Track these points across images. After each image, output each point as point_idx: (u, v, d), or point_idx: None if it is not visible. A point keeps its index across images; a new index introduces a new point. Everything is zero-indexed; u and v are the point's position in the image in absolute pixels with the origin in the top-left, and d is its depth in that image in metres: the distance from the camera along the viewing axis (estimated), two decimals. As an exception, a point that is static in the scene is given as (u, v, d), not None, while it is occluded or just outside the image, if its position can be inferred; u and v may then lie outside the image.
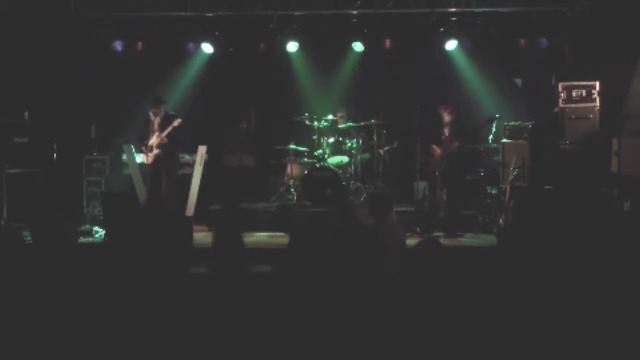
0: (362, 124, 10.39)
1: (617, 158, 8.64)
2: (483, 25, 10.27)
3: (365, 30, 10.54)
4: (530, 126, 9.41)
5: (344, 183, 9.87)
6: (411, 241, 8.09)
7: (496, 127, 9.49)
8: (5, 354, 3.70)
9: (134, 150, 9.15)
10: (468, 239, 8.79)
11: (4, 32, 9.81)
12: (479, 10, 10.08)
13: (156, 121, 9.05)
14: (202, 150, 9.69)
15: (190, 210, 9.28)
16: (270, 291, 3.67)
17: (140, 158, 9.16)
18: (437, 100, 9.16)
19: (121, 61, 10.74)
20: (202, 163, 9.65)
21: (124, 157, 9.97)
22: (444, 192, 9.17)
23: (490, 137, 9.56)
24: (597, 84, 9.39)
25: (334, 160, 10.34)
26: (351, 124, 10.49)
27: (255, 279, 3.87)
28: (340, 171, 10.17)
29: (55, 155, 9.90)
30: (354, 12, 10.29)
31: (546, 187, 9.00)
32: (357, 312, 3.52)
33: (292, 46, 10.73)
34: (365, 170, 10.47)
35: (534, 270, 4.05)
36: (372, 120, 10.30)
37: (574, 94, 9.46)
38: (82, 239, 8.70)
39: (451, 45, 10.46)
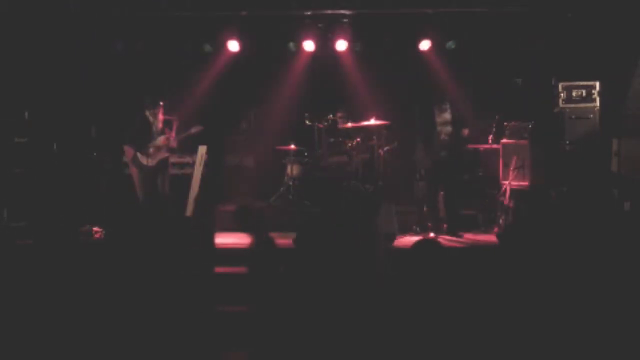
0: (362, 124, 10.39)
1: (617, 158, 8.64)
2: (483, 25, 10.27)
3: (365, 31, 10.54)
4: (530, 126, 9.41)
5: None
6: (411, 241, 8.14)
7: (496, 127, 9.49)
8: (6, 354, 3.70)
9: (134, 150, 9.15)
10: (468, 239, 8.79)
11: (4, 32, 9.81)
12: (479, 10, 10.07)
13: (156, 123, 9.05)
14: (202, 150, 9.70)
15: (190, 210, 9.29)
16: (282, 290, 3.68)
17: (141, 159, 9.15)
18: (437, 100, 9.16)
19: (121, 61, 10.74)
20: (202, 163, 9.66)
21: (124, 157, 9.97)
22: (442, 192, 9.18)
23: (491, 137, 9.56)
24: (597, 84, 9.39)
25: (334, 160, 10.34)
26: (351, 124, 10.48)
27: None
28: (341, 171, 10.18)
29: (55, 155, 9.90)
30: (354, 12, 10.28)
31: (546, 187, 9.01)
32: (357, 312, 3.52)
33: (292, 46, 10.73)
34: (365, 170, 10.47)
35: (534, 270, 4.05)
36: (372, 120, 10.29)
37: (574, 94, 9.46)
38: (81, 239, 8.71)
39: (450, 45, 10.47)
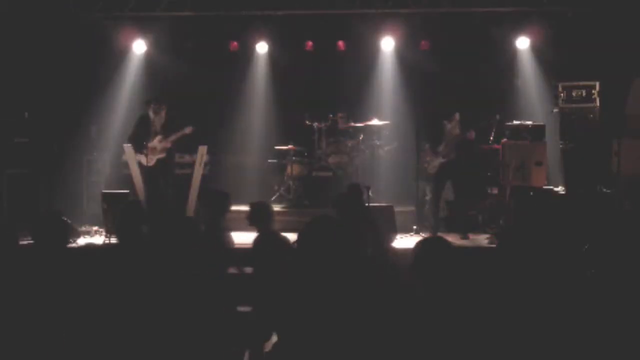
0: (362, 124, 10.39)
1: (617, 158, 8.64)
2: (483, 25, 10.27)
3: (366, 30, 10.55)
4: (530, 126, 9.41)
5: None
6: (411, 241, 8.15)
7: (496, 127, 9.49)
8: (6, 354, 3.70)
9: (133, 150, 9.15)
10: (468, 239, 8.79)
11: (4, 32, 9.81)
12: (479, 10, 10.08)
13: (157, 122, 9.05)
14: (202, 150, 9.70)
15: (190, 210, 9.29)
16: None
17: (140, 158, 9.15)
18: (437, 101, 9.17)
19: (121, 61, 10.74)
20: (202, 163, 9.66)
21: (124, 157, 9.97)
22: (448, 192, 9.17)
23: (491, 137, 9.56)
24: (597, 84, 9.39)
25: (334, 160, 10.34)
26: (351, 124, 10.49)
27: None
28: (341, 171, 10.18)
29: (55, 155, 9.90)
30: (354, 12, 10.29)
31: (547, 187, 9.02)
32: (357, 312, 3.52)
33: (292, 46, 10.75)
34: (365, 170, 10.46)
35: (534, 270, 4.05)
36: (372, 121, 10.30)
37: (574, 94, 9.46)
38: (82, 239, 8.72)
39: (451, 44, 10.48)
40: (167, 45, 10.77)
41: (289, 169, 10.37)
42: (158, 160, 9.02)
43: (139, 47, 10.75)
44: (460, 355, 3.49)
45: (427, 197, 9.52)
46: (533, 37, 10.44)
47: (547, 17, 10.16)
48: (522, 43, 10.53)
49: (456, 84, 10.31)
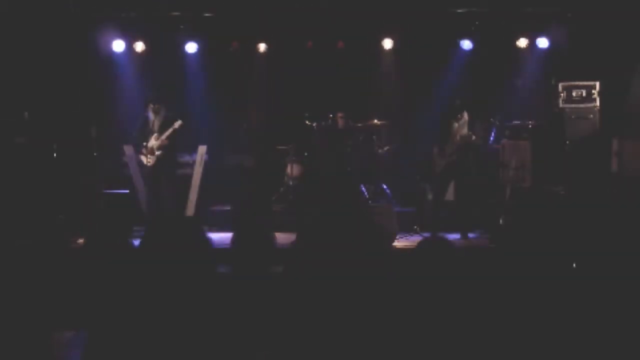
0: (362, 124, 10.39)
1: (617, 158, 8.64)
2: (483, 25, 10.27)
3: (366, 30, 10.55)
4: (530, 126, 9.41)
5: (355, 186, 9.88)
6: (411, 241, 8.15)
7: (496, 127, 9.49)
8: (6, 354, 3.70)
9: (134, 151, 9.16)
10: (468, 239, 8.79)
11: (4, 32, 9.81)
12: (479, 10, 10.08)
13: (156, 121, 9.05)
14: (202, 150, 9.71)
15: (190, 210, 9.30)
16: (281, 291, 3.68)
17: (140, 159, 9.16)
18: (437, 101, 9.16)
19: (121, 61, 10.74)
20: (202, 163, 9.67)
21: (124, 157, 9.98)
22: (449, 192, 9.16)
23: (491, 137, 9.56)
24: (597, 84, 9.39)
25: (334, 160, 10.34)
26: (351, 124, 10.48)
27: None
28: (340, 171, 10.18)
29: (55, 155, 9.89)
30: (354, 12, 10.28)
31: (547, 187, 9.01)
32: (358, 312, 3.52)
33: (292, 46, 10.75)
34: (365, 170, 10.46)
35: (534, 270, 4.05)
36: (373, 121, 10.29)
37: (574, 94, 9.46)
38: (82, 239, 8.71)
39: (451, 45, 10.49)
40: (167, 45, 10.76)
41: (289, 169, 10.37)
42: (158, 160, 9.01)
43: (139, 47, 10.74)
44: (460, 355, 3.49)
45: (428, 197, 9.51)
46: (533, 37, 10.44)
47: (547, 17, 10.15)
48: (522, 43, 10.52)
49: (456, 84, 10.31)
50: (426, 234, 8.74)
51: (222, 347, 3.54)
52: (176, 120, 8.94)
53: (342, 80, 11.12)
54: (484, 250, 8.08)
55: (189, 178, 9.74)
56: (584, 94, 9.42)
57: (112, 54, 10.68)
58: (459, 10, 10.09)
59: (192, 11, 10.29)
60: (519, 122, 9.55)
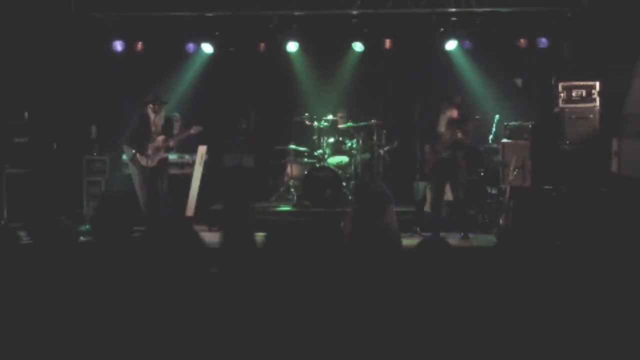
0: (362, 124, 10.39)
1: (617, 158, 8.64)
2: (483, 25, 10.27)
3: (365, 30, 10.56)
4: (530, 126, 9.40)
5: (344, 183, 9.88)
6: (411, 241, 8.14)
7: (496, 127, 9.49)
8: (6, 354, 3.70)
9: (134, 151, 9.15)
10: (468, 239, 8.79)
11: (4, 32, 9.81)
12: (479, 10, 10.08)
13: (156, 122, 9.03)
14: (202, 150, 9.70)
15: (190, 210, 9.29)
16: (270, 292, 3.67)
17: (140, 159, 9.15)
18: (438, 100, 9.14)
19: (121, 61, 10.74)
20: (202, 163, 9.66)
21: (124, 157, 9.97)
22: (447, 192, 9.16)
23: (491, 137, 9.56)
24: (597, 84, 9.39)
25: (334, 160, 10.34)
26: (351, 124, 10.49)
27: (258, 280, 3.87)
28: (340, 171, 10.18)
29: (55, 155, 9.90)
30: (354, 12, 10.29)
31: (546, 187, 9.01)
32: (356, 313, 3.52)
33: (292, 46, 10.75)
34: (365, 170, 10.47)
35: (534, 270, 4.05)
36: (372, 120, 10.30)
37: (574, 94, 9.46)
38: (82, 239, 8.70)
39: (451, 45, 10.49)
40: (167, 45, 10.76)
41: (289, 169, 10.37)
42: (160, 161, 9.01)
43: (139, 46, 10.74)
44: (461, 355, 3.49)
45: (428, 197, 9.51)
46: (534, 37, 10.44)
47: (547, 17, 10.15)
48: (522, 43, 10.52)
49: (456, 84, 10.31)
50: (426, 234, 8.74)
51: (218, 348, 3.54)
52: (195, 126, 8.97)
53: (342, 81, 11.14)
54: (484, 250, 8.08)
55: (189, 178, 9.74)
56: (584, 94, 9.42)
57: (112, 54, 10.68)
58: (458, 10, 10.09)
59: (192, 11, 10.28)
60: (519, 122, 9.55)
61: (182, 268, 3.79)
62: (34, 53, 10.02)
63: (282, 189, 10.45)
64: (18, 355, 3.69)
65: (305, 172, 10.21)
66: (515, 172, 9.03)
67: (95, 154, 10.34)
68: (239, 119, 11.33)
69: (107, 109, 10.64)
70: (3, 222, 9.28)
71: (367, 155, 10.56)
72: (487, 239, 8.69)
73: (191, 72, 11.06)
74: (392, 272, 4.12)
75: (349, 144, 10.36)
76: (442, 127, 8.89)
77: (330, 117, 10.49)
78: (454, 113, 8.89)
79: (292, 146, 10.43)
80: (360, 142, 10.37)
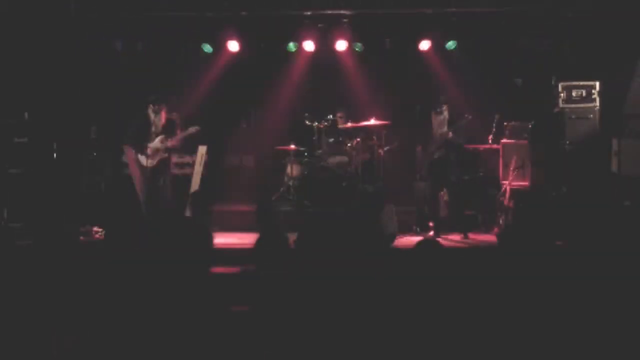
0: (362, 124, 10.39)
1: (617, 158, 8.64)
2: (483, 25, 10.27)
3: (365, 31, 10.56)
4: (530, 126, 9.40)
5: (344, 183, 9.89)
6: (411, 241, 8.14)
7: (496, 127, 9.49)
8: (5, 354, 3.70)
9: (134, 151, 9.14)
10: (468, 240, 8.79)
11: (4, 32, 9.80)
12: (479, 10, 10.07)
13: (157, 122, 9.04)
14: (202, 150, 9.70)
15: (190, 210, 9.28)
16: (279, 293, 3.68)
17: (141, 159, 9.15)
18: (430, 101, 9.16)
19: (121, 61, 10.74)
20: (202, 163, 9.66)
21: (124, 157, 9.97)
22: (444, 192, 9.17)
23: (491, 137, 9.56)
24: (597, 84, 9.39)
25: (334, 160, 10.34)
26: (351, 124, 10.49)
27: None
28: (341, 171, 10.18)
29: (55, 155, 9.89)
30: (354, 12, 10.28)
31: (546, 187, 9.01)
32: (357, 313, 3.52)
33: (291, 46, 10.75)
34: (365, 170, 10.47)
35: (535, 270, 4.05)
36: (372, 120, 10.30)
37: (574, 94, 9.45)
38: (81, 239, 8.71)
39: (451, 45, 10.49)
40: (167, 45, 10.76)
41: (289, 169, 10.37)
42: (160, 161, 9.01)
43: (139, 47, 10.74)
44: (461, 355, 3.49)
45: (427, 197, 9.51)
46: (532, 36, 10.43)
47: (547, 17, 10.15)
48: (522, 43, 10.52)
49: (456, 84, 10.30)
50: (426, 234, 8.75)
51: (220, 347, 3.55)
52: (193, 126, 8.98)
53: (342, 81, 11.13)
54: (484, 250, 8.08)
55: (189, 178, 9.75)
56: (584, 94, 9.42)
57: (112, 53, 10.68)
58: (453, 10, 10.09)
59: (192, 11, 10.27)
60: (519, 122, 9.55)
61: (183, 268, 3.80)
62: (34, 53, 10.01)
63: (282, 189, 10.44)
64: (18, 355, 3.69)
65: (305, 172, 10.20)
66: (515, 172, 9.03)
67: (95, 154, 10.34)
68: (239, 119, 11.33)
69: (107, 109, 10.63)
70: (3, 222, 9.27)
71: (367, 155, 10.55)
72: (487, 239, 8.69)
73: (191, 72, 11.05)
74: (389, 272, 4.13)
75: (349, 144, 10.36)
76: (434, 128, 8.92)
77: (330, 117, 10.48)
78: (445, 112, 8.92)
79: (292, 146, 10.40)
80: (360, 142, 10.37)
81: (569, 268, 4.12)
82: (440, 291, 3.69)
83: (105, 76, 10.70)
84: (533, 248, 4.36)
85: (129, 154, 9.25)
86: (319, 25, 10.56)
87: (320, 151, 10.40)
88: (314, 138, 10.47)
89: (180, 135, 9.04)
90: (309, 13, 10.30)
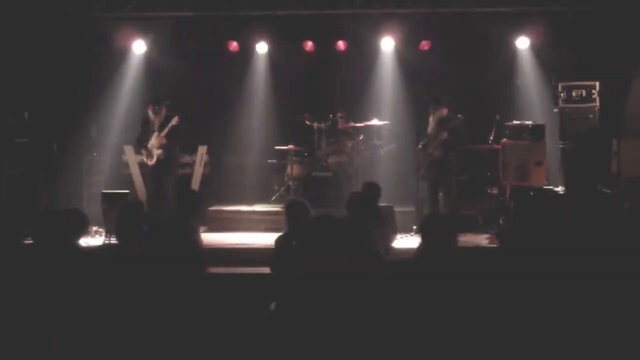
0: (362, 124, 10.39)
1: (617, 158, 8.64)
2: (483, 25, 10.27)
3: (365, 31, 10.56)
4: (530, 126, 9.41)
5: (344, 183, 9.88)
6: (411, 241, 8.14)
7: (496, 127, 9.49)
8: (5, 354, 3.70)
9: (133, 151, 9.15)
10: (468, 239, 8.78)
11: (4, 32, 9.81)
12: (479, 10, 10.08)
13: (156, 121, 9.04)
14: (202, 150, 9.70)
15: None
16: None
17: (140, 159, 9.16)
18: (429, 101, 9.15)
19: (121, 61, 10.74)
20: (202, 163, 9.66)
21: (124, 157, 9.98)
22: (441, 192, 9.16)
23: (491, 137, 9.56)
24: (597, 84, 9.39)
25: (334, 160, 10.33)
26: (351, 124, 10.48)
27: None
28: (341, 171, 10.17)
29: (55, 155, 9.89)
30: (354, 12, 10.29)
31: (546, 187, 9.01)
32: (357, 313, 3.52)
33: (291, 46, 10.76)
34: (365, 170, 10.46)
35: (535, 270, 4.05)
36: (372, 121, 10.29)
37: (574, 94, 9.46)
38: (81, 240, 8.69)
39: (451, 44, 10.50)
40: (167, 45, 10.76)
41: (289, 169, 10.37)
42: (158, 160, 9.00)
43: (139, 47, 10.74)
44: (462, 355, 3.50)
45: (427, 197, 9.50)
46: (533, 37, 10.44)
47: (547, 16, 10.15)
48: (522, 43, 10.53)
49: (456, 84, 10.30)
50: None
51: (216, 348, 3.55)
52: (173, 117, 8.94)
53: (342, 81, 11.13)
54: (484, 250, 8.08)
55: (189, 178, 9.74)
56: (583, 94, 9.42)
57: (112, 53, 10.68)
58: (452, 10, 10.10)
59: (192, 11, 10.28)
60: (519, 122, 9.55)
61: (179, 268, 3.80)
62: (34, 53, 10.02)
63: (282, 189, 10.44)
64: (18, 355, 3.69)
65: (305, 172, 10.20)
66: (515, 172, 9.03)
67: (95, 154, 10.34)
68: (238, 119, 11.32)
69: (107, 109, 10.63)
70: (3, 222, 9.27)
71: (367, 155, 10.55)
72: (486, 240, 8.69)
73: (191, 72, 11.05)
74: (388, 273, 4.13)
75: (349, 144, 10.35)
76: (431, 128, 8.91)
77: (330, 117, 10.48)
78: (443, 112, 8.91)
79: (292, 146, 10.40)
80: (361, 142, 10.36)
81: (569, 268, 4.12)
82: (440, 291, 3.69)
83: (105, 76, 10.69)
84: (533, 248, 4.36)
85: (129, 154, 9.25)
86: (319, 25, 10.57)
87: (320, 151, 10.40)
88: (314, 138, 10.47)
89: (165, 130, 8.95)
90: (308, 13, 10.31)
